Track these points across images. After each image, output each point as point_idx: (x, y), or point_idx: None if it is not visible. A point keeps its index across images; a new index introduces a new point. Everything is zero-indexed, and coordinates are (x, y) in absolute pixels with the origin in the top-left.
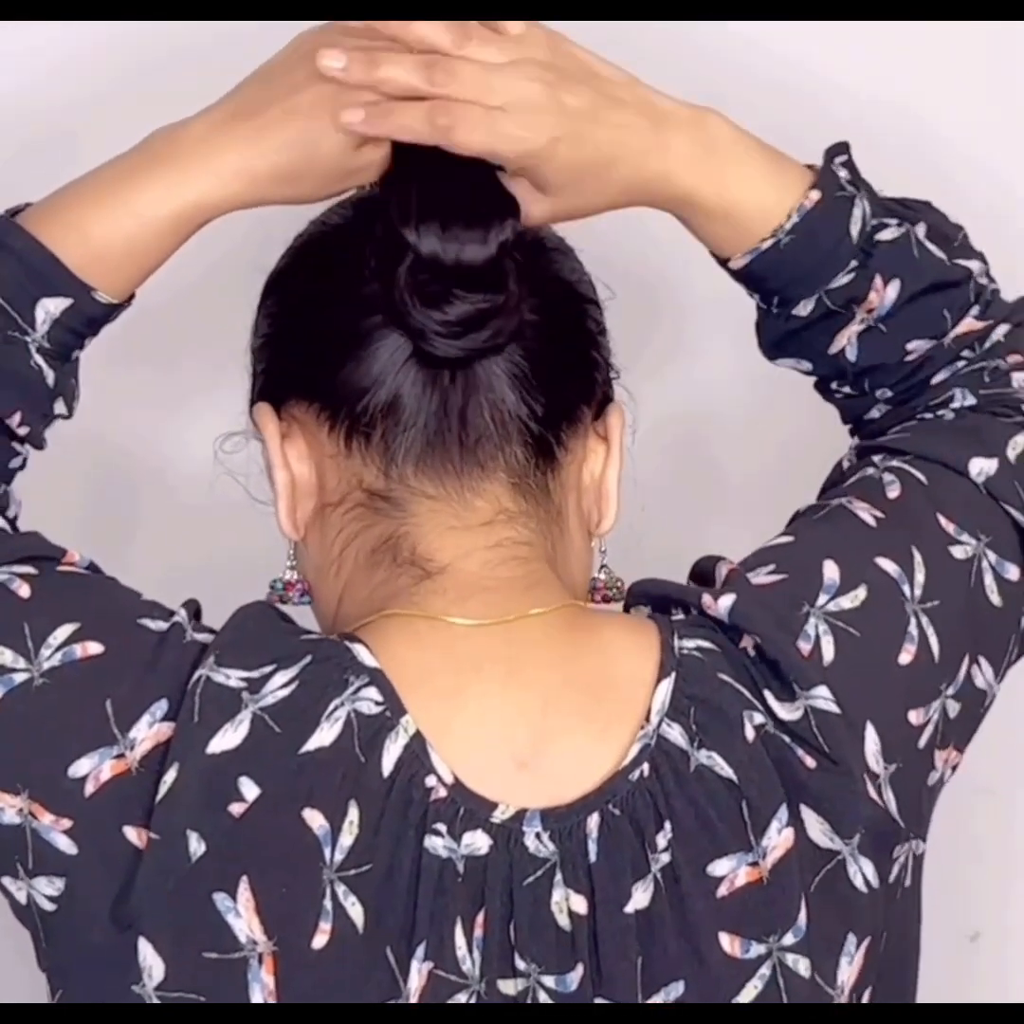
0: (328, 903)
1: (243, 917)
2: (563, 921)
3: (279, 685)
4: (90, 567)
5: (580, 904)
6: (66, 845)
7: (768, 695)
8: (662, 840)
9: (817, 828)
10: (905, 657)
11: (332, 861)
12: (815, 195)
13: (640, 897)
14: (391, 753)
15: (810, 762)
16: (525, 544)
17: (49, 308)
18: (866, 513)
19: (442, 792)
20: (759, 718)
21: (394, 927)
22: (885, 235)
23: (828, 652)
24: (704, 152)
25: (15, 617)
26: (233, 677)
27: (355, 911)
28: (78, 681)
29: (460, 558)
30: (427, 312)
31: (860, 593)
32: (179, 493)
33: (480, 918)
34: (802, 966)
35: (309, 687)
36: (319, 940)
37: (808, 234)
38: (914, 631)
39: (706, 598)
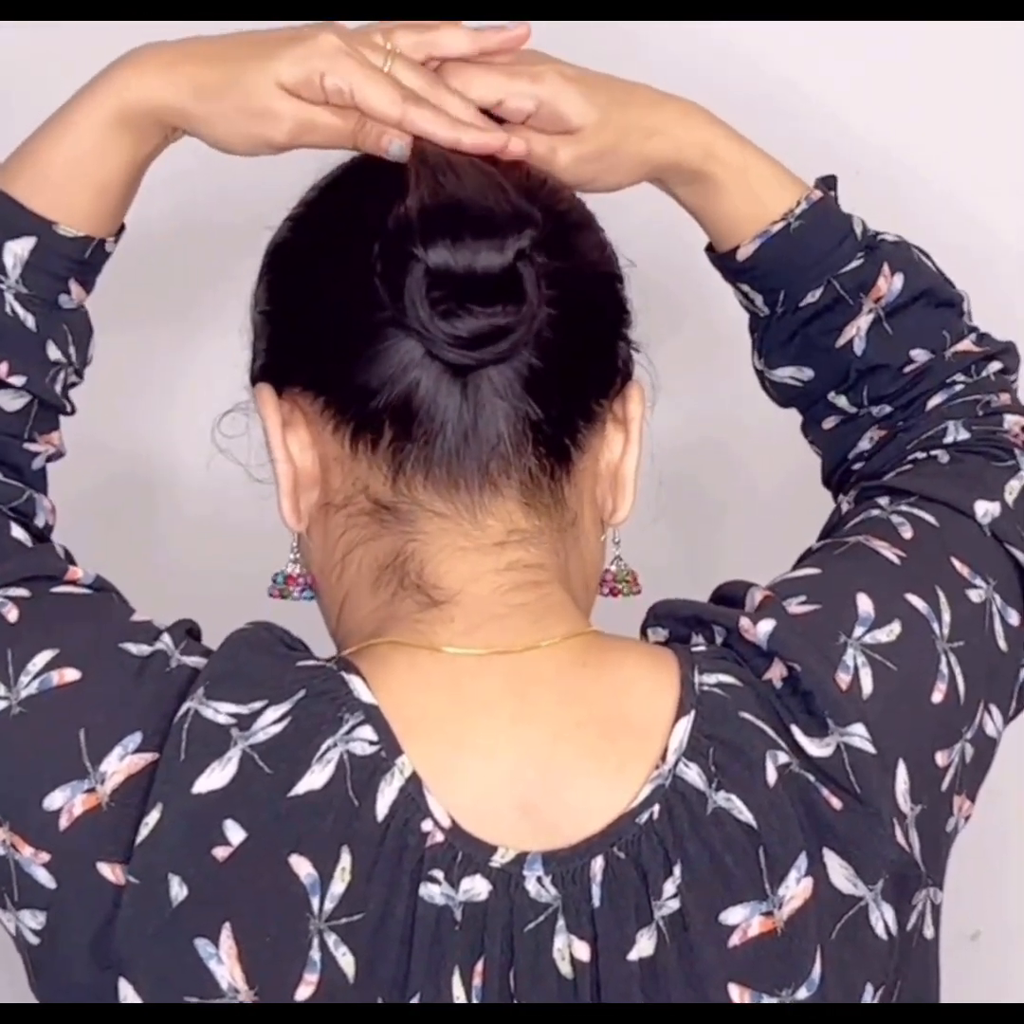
0: (315, 954)
1: (225, 964)
2: (565, 969)
3: (270, 721)
4: (94, 583)
5: (583, 951)
6: (46, 879)
7: (795, 730)
8: (670, 886)
9: (840, 873)
10: (937, 695)
11: (321, 910)
12: (818, 193)
13: (644, 944)
14: (385, 796)
15: (836, 803)
16: (537, 566)
17: (16, 251)
18: (887, 551)
19: (439, 837)
20: (783, 758)
21: (386, 978)
22: (886, 237)
23: (867, 685)
24: (713, 118)
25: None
26: (222, 712)
27: (346, 961)
28: (53, 709)
29: (470, 583)
30: (438, 324)
31: (895, 627)
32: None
33: (479, 967)
34: None
35: (301, 725)
36: (302, 992)
37: (816, 222)
38: (945, 670)
39: (744, 621)
